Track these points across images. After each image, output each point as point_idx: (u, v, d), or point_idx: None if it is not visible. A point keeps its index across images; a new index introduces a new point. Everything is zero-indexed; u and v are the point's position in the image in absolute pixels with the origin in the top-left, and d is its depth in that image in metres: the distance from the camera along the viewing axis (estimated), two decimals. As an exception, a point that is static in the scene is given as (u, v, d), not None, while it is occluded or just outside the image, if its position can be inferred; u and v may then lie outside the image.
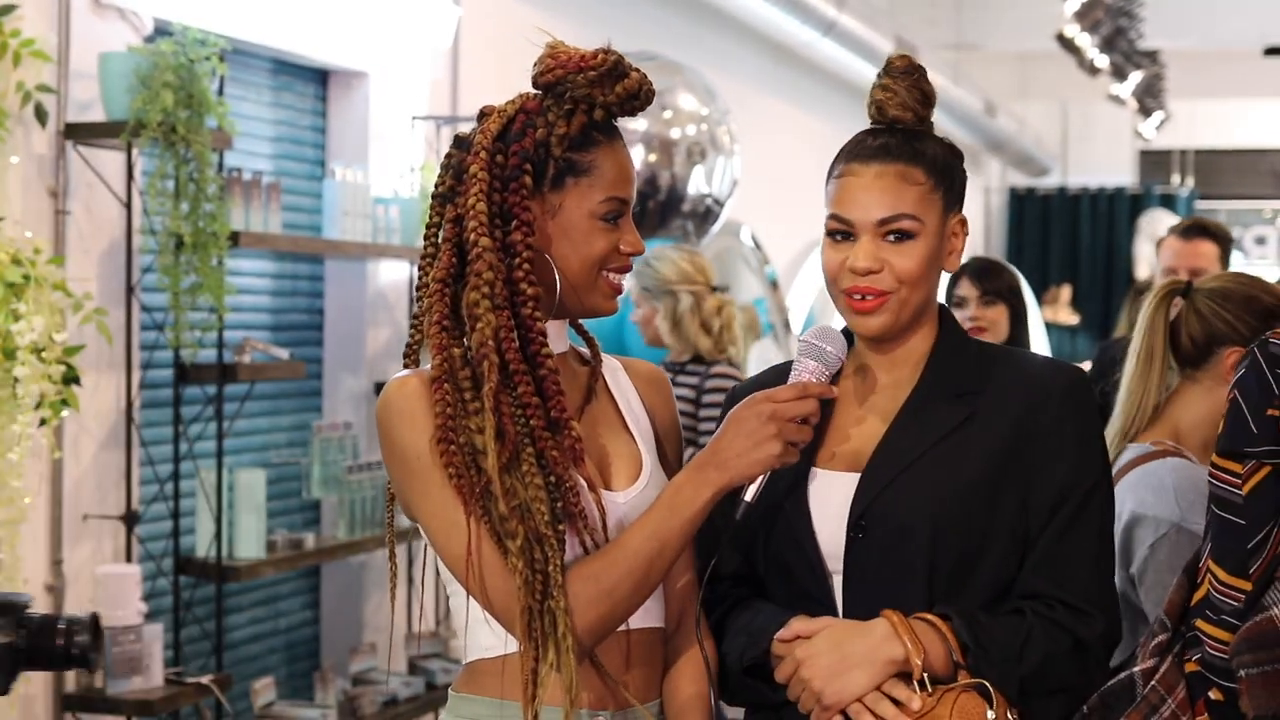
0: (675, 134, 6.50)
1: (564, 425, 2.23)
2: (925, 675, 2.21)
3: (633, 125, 6.43)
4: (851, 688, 2.21)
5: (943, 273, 2.42)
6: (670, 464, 2.45)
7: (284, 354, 5.41)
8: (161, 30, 4.94)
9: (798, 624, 2.29)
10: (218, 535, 5.06)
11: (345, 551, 5.64)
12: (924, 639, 2.23)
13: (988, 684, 2.21)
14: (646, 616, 2.34)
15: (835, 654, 2.23)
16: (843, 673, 2.22)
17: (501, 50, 6.32)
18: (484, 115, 2.33)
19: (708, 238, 6.90)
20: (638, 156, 6.40)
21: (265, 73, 5.82)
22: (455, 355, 2.24)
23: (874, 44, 10.08)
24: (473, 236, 2.24)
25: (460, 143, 2.34)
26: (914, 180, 2.36)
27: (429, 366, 2.27)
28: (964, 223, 2.43)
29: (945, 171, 2.39)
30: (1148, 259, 15.95)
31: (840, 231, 2.39)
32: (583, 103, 2.28)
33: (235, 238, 4.92)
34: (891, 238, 2.35)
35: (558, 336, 2.37)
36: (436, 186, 2.34)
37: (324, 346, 6.16)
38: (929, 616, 2.26)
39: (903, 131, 2.41)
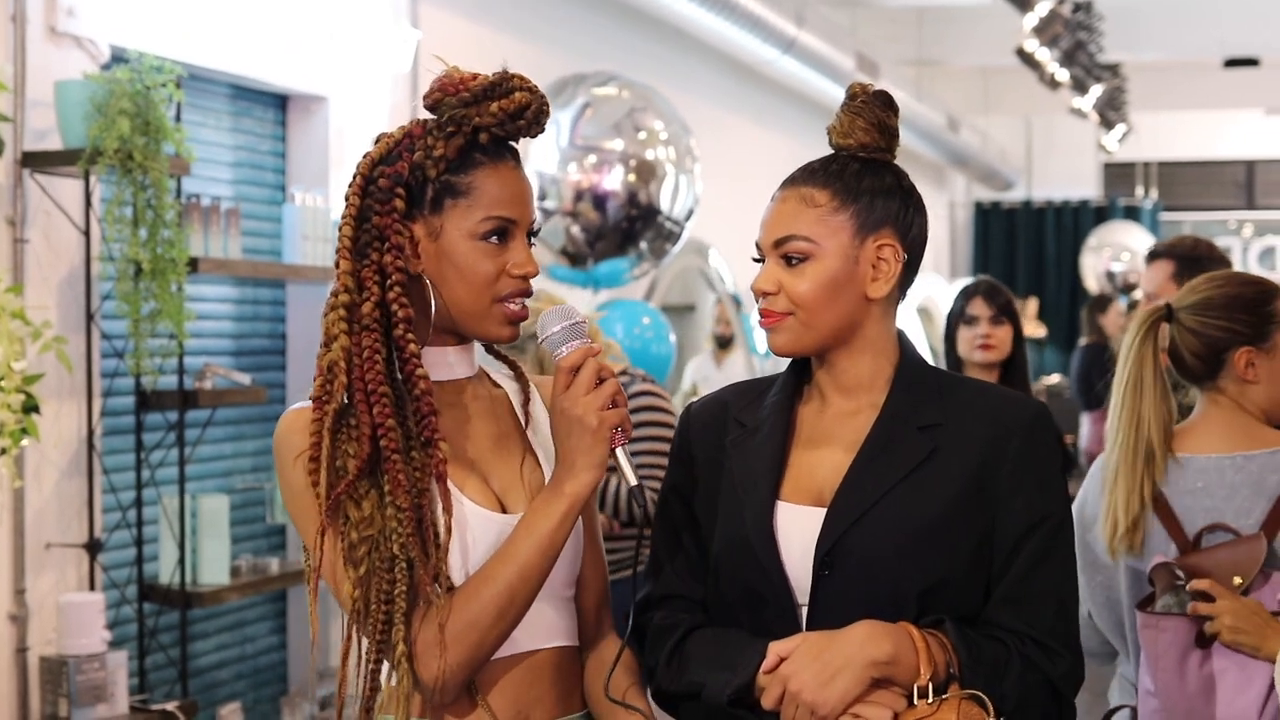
0: (634, 152, 6.51)
1: (432, 445, 2.21)
2: (930, 684, 2.22)
3: (609, 145, 6.45)
4: (839, 692, 2.20)
5: (879, 300, 2.39)
6: None
7: (245, 379, 5.41)
8: (118, 58, 4.94)
9: (776, 648, 2.27)
10: (181, 562, 5.05)
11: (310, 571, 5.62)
12: (933, 648, 2.24)
13: (982, 695, 2.21)
14: (555, 636, 2.35)
15: (818, 663, 2.21)
16: (829, 680, 2.20)
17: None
18: (376, 142, 2.33)
19: (669, 257, 6.91)
20: (617, 177, 6.41)
21: (224, 98, 5.82)
22: None
23: (835, 61, 10.11)
24: (337, 259, 2.26)
25: None
26: (813, 202, 2.36)
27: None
28: (894, 249, 2.37)
29: (859, 195, 2.37)
30: (1094, 271, 16.06)
31: (759, 258, 2.43)
32: (462, 124, 2.26)
33: (194, 264, 4.92)
34: (787, 261, 2.36)
35: (461, 362, 2.36)
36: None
37: (287, 371, 6.16)
38: (932, 630, 2.26)
39: (842, 158, 2.41)
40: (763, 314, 2.39)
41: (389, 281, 2.23)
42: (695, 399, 2.63)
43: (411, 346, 2.23)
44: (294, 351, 6.16)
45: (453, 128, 2.26)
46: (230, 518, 5.29)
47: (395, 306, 2.23)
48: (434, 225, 2.27)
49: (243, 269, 5.39)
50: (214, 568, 5.21)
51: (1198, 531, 3.03)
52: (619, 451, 2.27)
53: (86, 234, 4.84)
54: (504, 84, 2.26)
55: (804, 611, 2.34)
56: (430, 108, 2.29)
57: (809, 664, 2.22)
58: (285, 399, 6.12)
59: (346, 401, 2.20)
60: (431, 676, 2.19)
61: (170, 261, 4.78)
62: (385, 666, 2.22)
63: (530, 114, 2.27)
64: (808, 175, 2.40)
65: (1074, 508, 3.18)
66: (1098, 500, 3.19)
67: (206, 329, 5.60)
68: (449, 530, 2.20)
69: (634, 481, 2.28)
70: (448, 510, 2.21)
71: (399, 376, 2.24)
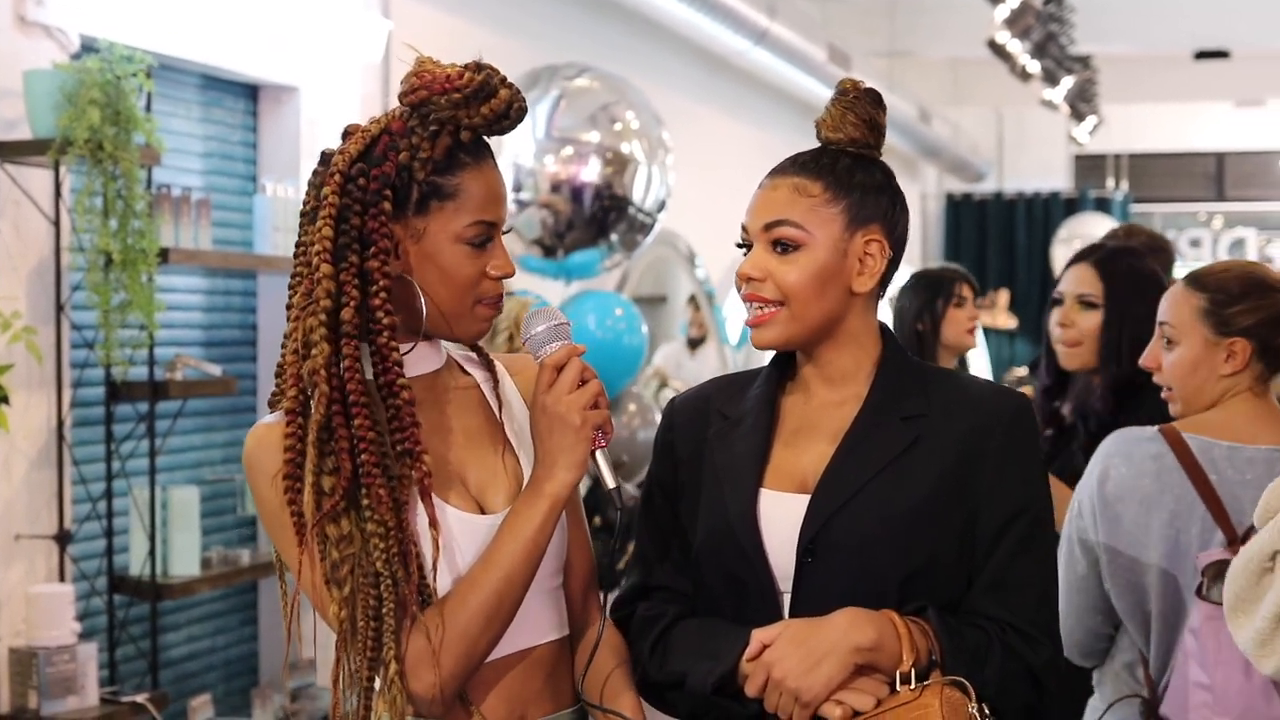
0: (610, 144, 6.50)
1: (415, 458, 2.17)
2: (913, 670, 2.23)
3: (585, 137, 6.44)
4: (823, 679, 2.21)
5: (863, 294, 2.40)
6: None
7: (216, 370, 5.40)
8: (88, 47, 4.92)
9: (760, 635, 2.28)
10: (151, 553, 5.04)
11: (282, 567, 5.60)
12: (915, 635, 2.25)
13: (965, 681, 2.23)
14: (546, 631, 2.34)
15: (801, 650, 2.23)
16: (813, 667, 2.21)
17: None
18: (348, 135, 2.26)
19: (640, 248, 6.90)
20: (594, 170, 6.41)
21: (194, 88, 5.80)
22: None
23: (806, 53, 10.11)
24: (315, 261, 2.17)
25: (326, 160, 2.27)
26: (807, 192, 2.38)
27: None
28: (881, 244, 2.40)
29: (852, 189, 2.39)
30: (1065, 263, 16.05)
31: (743, 244, 2.43)
32: (448, 124, 2.22)
33: (165, 254, 4.90)
34: (778, 248, 2.37)
35: (431, 354, 2.33)
36: (304, 205, 2.27)
37: (258, 362, 6.14)
38: (914, 618, 2.28)
39: (833, 152, 2.42)
40: (749, 301, 2.39)
41: (375, 287, 2.17)
42: (677, 393, 2.63)
43: (395, 355, 2.18)
44: (265, 343, 6.14)
45: (435, 126, 2.22)
46: (201, 509, 5.27)
47: (380, 314, 2.17)
48: (416, 227, 2.23)
49: (213, 260, 5.38)
50: (184, 559, 5.19)
51: (1247, 526, 2.91)
52: (598, 454, 2.26)
53: (56, 224, 4.82)
54: (489, 83, 2.22)
55: (786, 599, 2.36)
56: (414, 105, 2.23)
57: (792, 651, 2.23)
58: (256, 390, 6.11)
59: (325, 414, 2.15)
60: (426, 688, 2.17)
61: (140, 252, 4.76)
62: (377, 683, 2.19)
63: (514, 113, 2.25)
64: (800, 166, 2.41)
65: (1094, 484, 3.14)
66: (1122, 477, 3.10)
67: (177, 320, 5.59)
68: (436, 545, 2.17)
69: (613, 484, 2.27)
70: (434, 525, 2.18)
71: (376, 384, 2.19)
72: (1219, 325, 3.13)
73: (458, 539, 2.24)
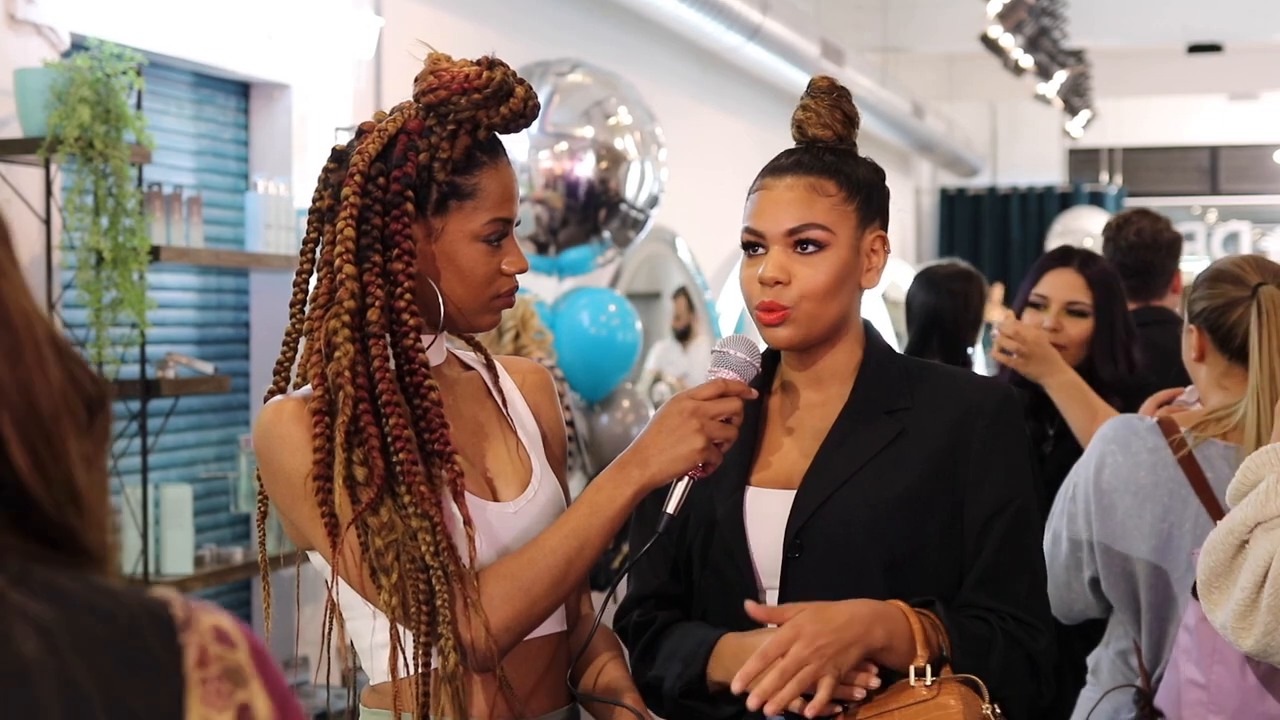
0: (604, 140, 6.50)
1: (446, 458, 2.18)
2: (928, 666, 2.23)
3: (580, 133, 6.44)
4: (848, 664, 2.20)
5: (867, 289, 2.43)
6: (557, 463, 2.44)
7: (208, 368, 5.39)
8: (78, 45, 4.91)
9: (768, 614, 2.26)
10: (144, 552, 5.03)
11: (275, 564, 5.59)
12: (928, 630, 2.25)
13: (978, 680, 2.23)
14: (552, 622, 2.33)
15: (834, 631, 2.19)
16: (842, 650, 2.19)
17: (424, 61, 6.31)
18: (362, 132, 2.26)
19: (633, 245, 6.90)
20: (588, 165, 6.41)
21: (186, 86, 5.78)
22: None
23: (800, 48, 10.11)
24: (338, 263, 2.17)
25: (338, 157, 2.27)
26: (825, 192, 2.37)
27: (305, 388, 2.22)
28: (884, 240, 2.42)
29: (860, 187, 2.39)
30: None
31: (753, 244, 2.41)
32: (466, 123, 2.22)
33: (156, 252, 4.89)
34: (801, 249, 2.36)
35: (435, 347, 2.32)
36: (314, 201, 2.27)
37: (250, 360, 6.13)
38: (923, 611, 2.27)
39: (821, 149, 2.42)
40: (767, 307, 2.37)
41: (400, 289, 2.18)
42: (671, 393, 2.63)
43: (421, 356, 2.19)
44: (257, 340, 6.13)
45: (454, 126, 2.22)
46: (194, 508, 5.26)
47: (406, 315, 2.18)
48: (434, 226, 2.24)
49: (205, 258, 5.37)
50: (177, 558, 5.18)
51: None
52: (684, 480, 2.26)
53: (47, 223, 4.81)
54: (506, 83, 2.23)
55: (772, 595, 2.36)
56: (432, 105, 2.22)
57: (824, 628, 2.19)
58: (249, 388, 6.10)
59: (352, 413, 2.14)
60: (484, 659, 2.17)
61: (132, 250, 4.75)
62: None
63: (529, 110, 2.26)
64: (809, 166, 2.40)
65: (1090, 473, 3.13)
66: (1118, 465, 3.08)
67: (169, 318, 5.58)
68: (472, 543, 2.17)
69: (671, 510, 2.27)
70: (469, 524, 2.18)
71: (402, 384, 2.19)
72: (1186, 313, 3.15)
73: (478, 526, 2.23)
